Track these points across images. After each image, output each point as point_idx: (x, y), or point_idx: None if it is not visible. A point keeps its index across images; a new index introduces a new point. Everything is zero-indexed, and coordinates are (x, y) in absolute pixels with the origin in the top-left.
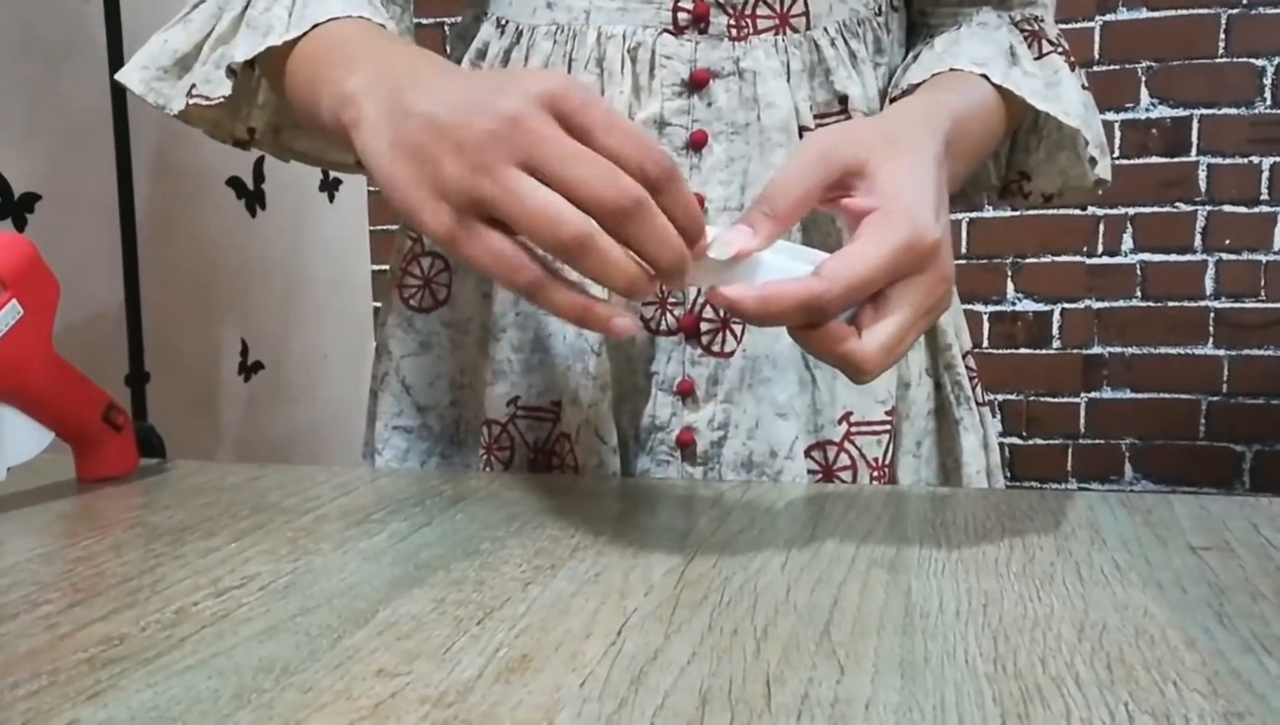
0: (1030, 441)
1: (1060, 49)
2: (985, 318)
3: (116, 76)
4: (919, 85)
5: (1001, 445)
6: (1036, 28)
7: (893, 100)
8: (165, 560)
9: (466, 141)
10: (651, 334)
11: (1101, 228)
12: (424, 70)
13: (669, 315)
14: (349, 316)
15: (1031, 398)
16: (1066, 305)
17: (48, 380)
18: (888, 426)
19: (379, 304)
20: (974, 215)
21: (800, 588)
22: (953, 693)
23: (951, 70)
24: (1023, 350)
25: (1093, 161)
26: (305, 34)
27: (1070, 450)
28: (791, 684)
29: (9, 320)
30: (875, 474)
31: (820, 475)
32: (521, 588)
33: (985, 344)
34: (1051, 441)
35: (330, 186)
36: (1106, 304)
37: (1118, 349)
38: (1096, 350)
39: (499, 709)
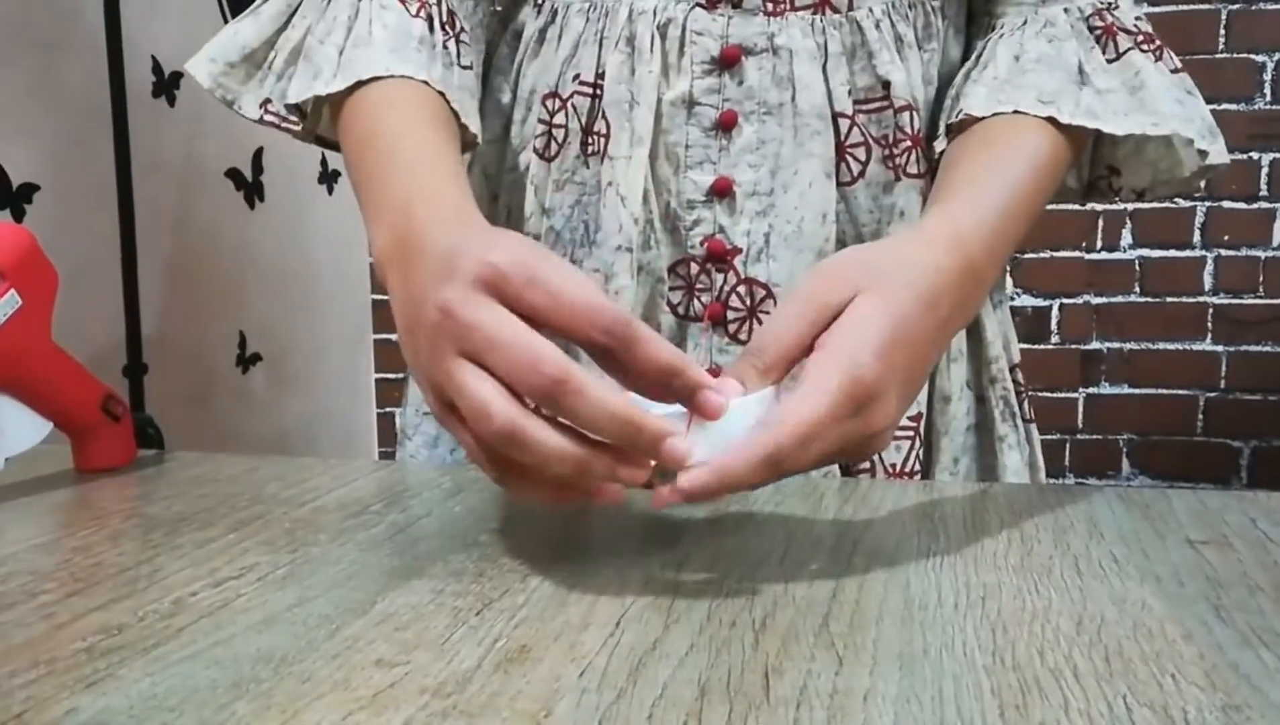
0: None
1: (1139, 36)
2: None
3: (185, 67)
4: (975, 120)
5: None
6: (1110, 20)
7: (949, 127)
8: (163, 551)
9: (420, 336)
10: (679, 320)
11: (1101, 223)
12: (422, 239)
13: (696, 301)
14: (347, 309)
15: (1029, 393)
16: (1065, 300)
17: (46, 370)
18: (910, 433)
19: (378, 296)
20: None
21: (799, 581)
22: (951, 684)
23: (1015, 113)
24: (1021, 345)
25: (1202, 153)
26: (350, 90)
27: (1068, 446)
28: (790, 675)
29: (7, 310)
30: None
31: (839, 472)
32: (520, 579)
33: None
34: (1049, 437)
35: (329, 178)
36: (1105, 299)
37: (1116, 344)
38: (1095, 345)
39: (498, 699)
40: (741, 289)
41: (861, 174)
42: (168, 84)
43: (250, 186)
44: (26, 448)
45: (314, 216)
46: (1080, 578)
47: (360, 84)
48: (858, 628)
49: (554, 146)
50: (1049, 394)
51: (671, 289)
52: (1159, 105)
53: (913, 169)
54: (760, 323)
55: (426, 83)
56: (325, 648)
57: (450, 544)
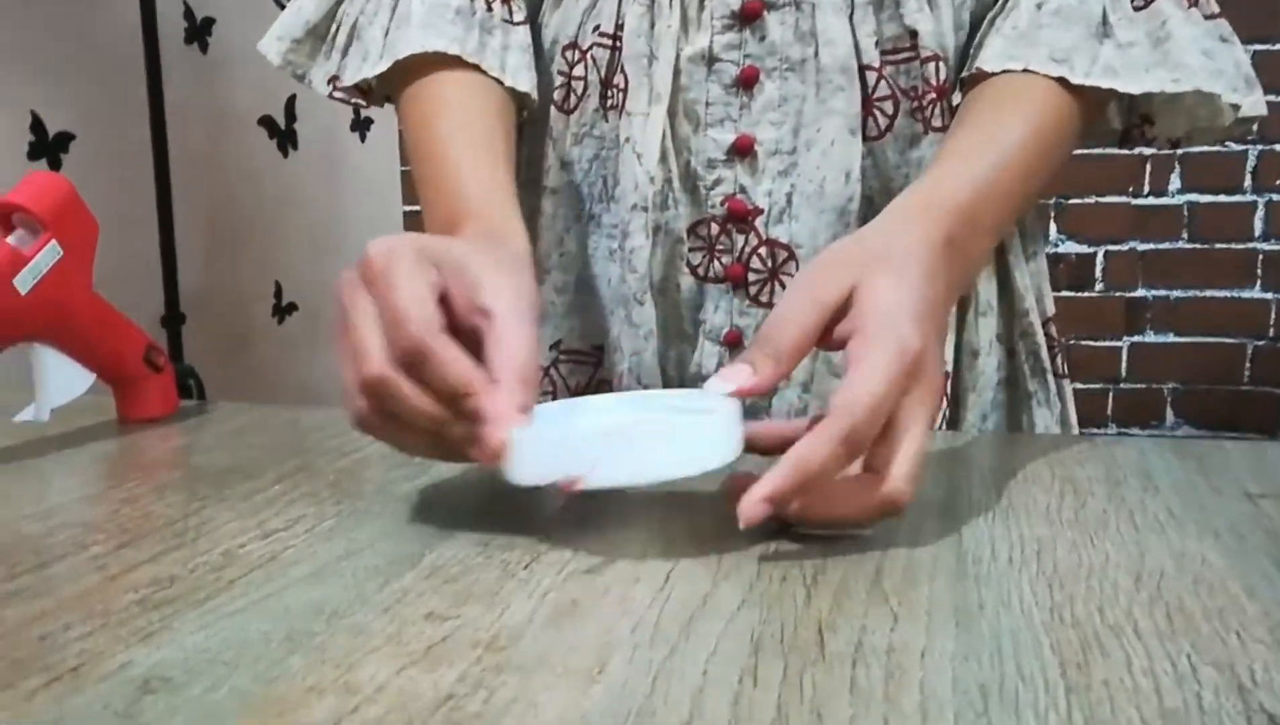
0: (1070, 386)
1: None
2: None
3: (258, 47)
4: (990, 75)
5: None
6: None
7: (962, 81)
8: (210, 503)
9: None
10: (699, 281)
11: (1149, 168)
12: None
13: (716, 262)
14: None
15: (1072, 341)
16: (1110, 247)
17: (89, 321)
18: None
19: None
20: None
21: (849, 536)
22: (1009, 641)
23: (1025, 71)
24: (1065, 292)
25: (1234, 105)
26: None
27: (1111, 394)
28: (844, 632)
29: (49, 260)
30: None
31: None
32: (566, 532)
33: None
34: (1092, 386)
35: (362, 126)
36: (1152, 246)
37: (1162, 292)
38: (1140, 293)
39: (551, 654)
40: (763, 250)
41: (889, 128)
42: (199, 30)
43: (283, 134)
44: (70, 399)
45: (347, 164)
46: (1137, 531)
47: (401, 64)
48: (911, 583)
49: (573, 99)
50: (1092, 343)
51: (691, 250)
52: (1184, 58)
53: (938, 122)
54: (782, 286)
55: (462, 56)
56: (376, 600)
57: (495, 497)
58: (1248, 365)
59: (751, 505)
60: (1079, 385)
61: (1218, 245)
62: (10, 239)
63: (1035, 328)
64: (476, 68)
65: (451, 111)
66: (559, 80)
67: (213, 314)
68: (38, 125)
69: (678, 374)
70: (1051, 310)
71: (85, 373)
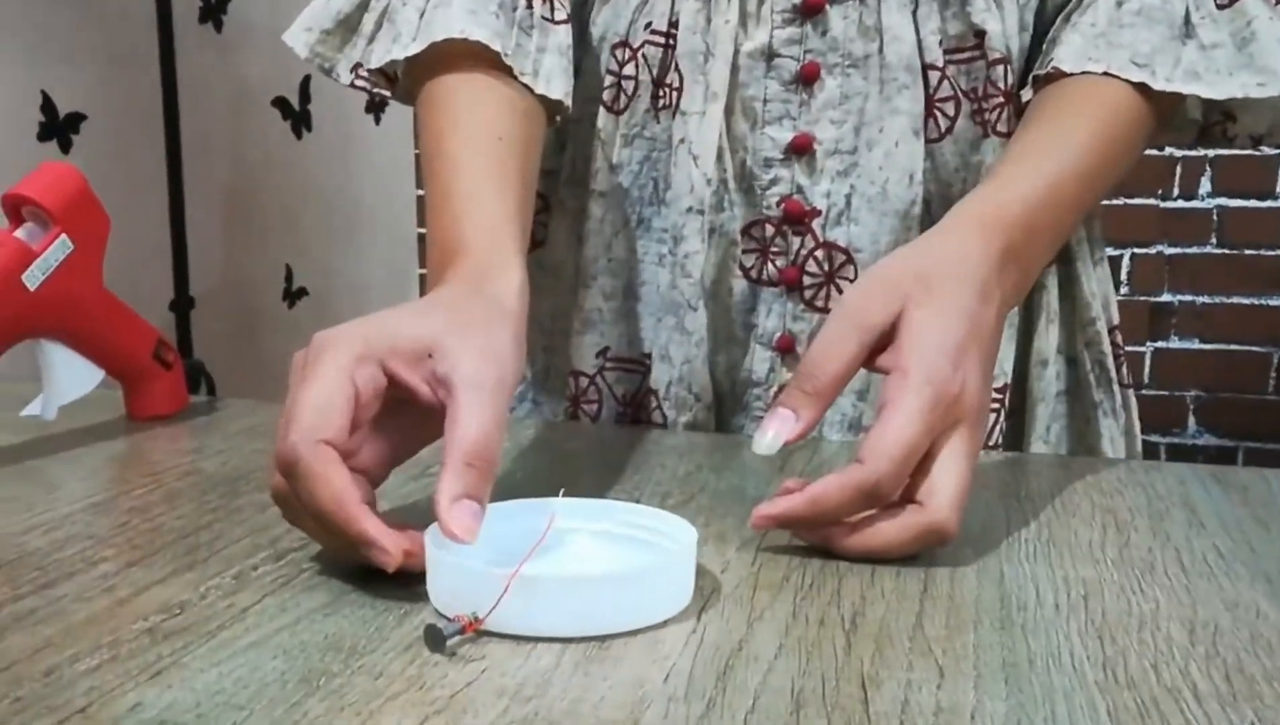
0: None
1: None
2: None
3: (284, 38)
4: (1066, 75)
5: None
6: None
7: (1035, 78)
8: (221, 515)
9: None
10: (752, 284)
11: (1178, 170)
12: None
13: (770, 265)
14: (395, 241)
15: (1125, 354)
16: (1137, 250)
17: (98, 317)
18: (996, 404)
19: (423, 230)
20: None
21: (885, 569)
22: (1063, 703)
23: (1106, 75)
24: None
25: None
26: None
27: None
28: (889, 688)
29: (58, 256)
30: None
31: None
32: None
33: None
34: None
35: (376, 108)
36: (1179, 250)
37: (1188, 297)
38: (1166, 297)
39: (580, 706)
40: (820, 253)
41: (950, 130)
42: (215, 8)
43: (298, 116)
44: (78, 396)
45: (362, 147)
46: (1185, 575)
47: (429, 54)
48: (955, 630)
49: (623, 99)
50: None
51: (745, 252)
52: (1270, 60)
53: (1001, 126)
54: (839, 290)
55: (501, 53)
56: (395, 637)
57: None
58: (1273, 374)
59: (761, 518)
60: None
61: (1247, 251)
62: (19, 233)
63: (1102, 336)
64: (509, 70)
65: (465, 130)
66: (608, 80)
67: (223, 299)
68: (48, 105)
69: (728, 380)
70: (1116, 318)
71: (94, 369)
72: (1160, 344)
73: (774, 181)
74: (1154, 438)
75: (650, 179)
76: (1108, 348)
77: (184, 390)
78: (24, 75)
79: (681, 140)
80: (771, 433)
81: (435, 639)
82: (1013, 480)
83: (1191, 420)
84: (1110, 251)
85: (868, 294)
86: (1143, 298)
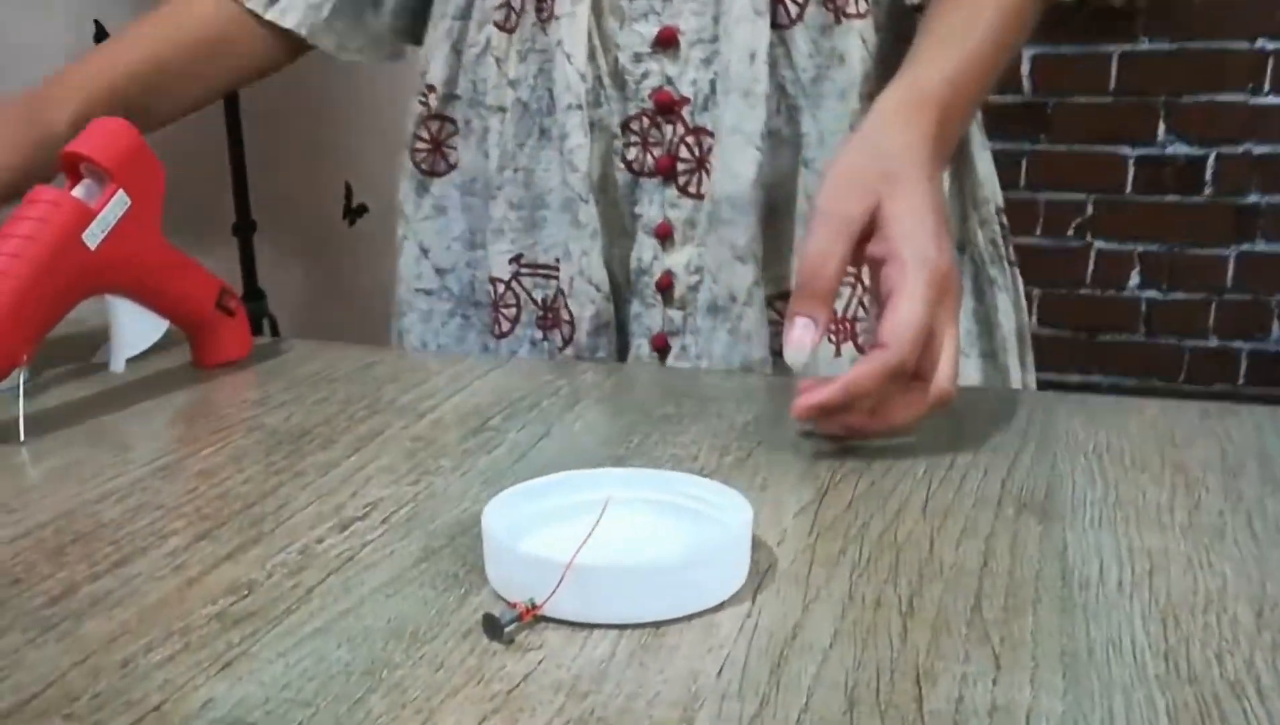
0: (1170, 296)
1: None
2: (1130, 162)
3: None
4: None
5: (1139, 299)
6: None
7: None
8: (286, 479)
9: None
10: (634, 176)
11: (1270, 64)
12: None
13: (649, 155)
14: None
15: (1176, 249)
16: (1223, 149)
17: (160, 270)
18: (850, 280)
19: None
20: (1125, 48)
21: (945, 539)
22: (1121, 701)
23: None
24: (1170, 197)
25: None
26: None
27: (1214, 305)
28: (944, 683)
29: (117, 212)
30: (833, 328)
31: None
32: None
33: (1129, 190)
34: (1194, 296)
35: None
36: (1269, 148)
37: (1276, 198)
38: (1252, 199)
39: (635, 703)
40: (690, 139)
41: (800, 16)
42: None
43: None
44: (144, 348)
45: (415, 58)
46: (1256, 544)
47: None
48: (1013, 613)
49: (513, 18)
50: (1198, 251)
51: (626, 145)
52: None
53: (852, 9)
54: (708, 174)
55: None
56: (455, 621)
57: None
58: None
59: (804, 407)
60: (1180, 296)
61: None
62: (77, 191)
63: (993, 216)
64: None
65: (147, 26)
66: (498, 1)
67: (284, 220)
68: (101, 35)
69: (622, 271)
70: (1000, 200)
71: (159, 320)
72: (1245, 247)
73: (645, 75)
74: (1235, 343)
75: (545, 89)
76: (998, 227)
77: (248, 336)
78: (75, 4)
79: (559, 43)
80: (796, 341)
81: (493, 628)
82: (1079, 430)
83: (1276, 326)
84: (1194, 150)
85: (843, 195)
86: (1228, 199)
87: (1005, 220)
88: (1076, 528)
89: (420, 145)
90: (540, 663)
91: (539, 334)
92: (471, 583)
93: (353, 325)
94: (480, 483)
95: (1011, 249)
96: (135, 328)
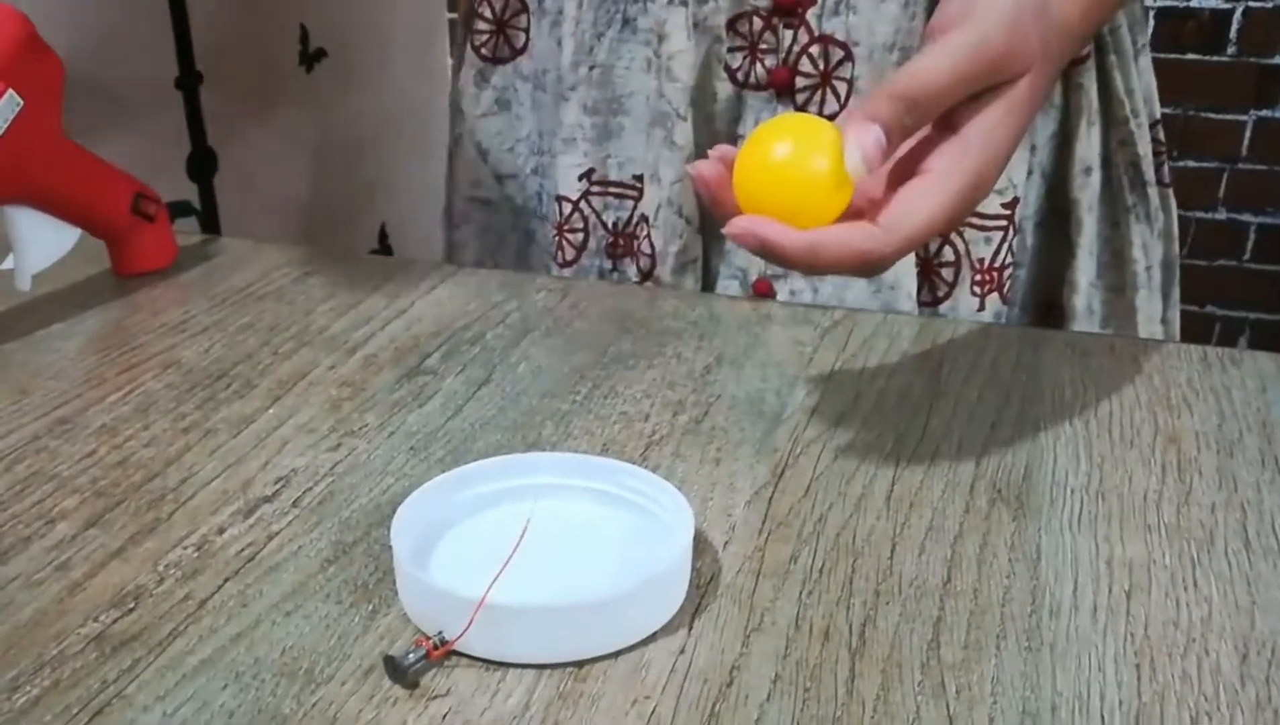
0: (1181, 163)
1: None
2: (1151, 15)
3: None
4: None
5: None
6: None
7: None
8: (195, 439)
9: None
10: (738, 88)
11: None
12: None
13: (759, 65)
14: None
15: (1191, 112)
16: (1252, 3)
17: (62, 174)
18: (1003, 224)
19: None
20: None
21: (907, 543)
22: None
23: None
24: (1190, 56)
25: None
26: None
27: (1226, 175)
28: None
29: (7, 114)
30: (979, 279)
31: (919, 268)
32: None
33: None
34: (1206, 164)
35: None
36: None
37: None
38: (1279, 59)
39: None
40: (815, 49)
41: None
42: None
43: None
44: (54, 261)
45: None
46: (1248, 557)
47: None
48: (974, 651)
49: None
50: (1214, 115)
51: (730, 50)
52: None
53: None
54: (835, 94)
55: None
56: (357, 652)
57: (511, 440)
58: None
59: (744, 233)
60: (1190, 163)
61: None
62: None
63: (1134, 136)
64: None
65: None
66: None
67: (232, 69)
68: None
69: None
70: (1158, 113)
71: (69, 230)
72: (1265, 113)
73: None
74: (1245, 216)
75: None
76: (1145, 148)
77: (171, 242)
78: None
79: None
80: (861, 150)
81: (396, 670)
82: (1070, 389)
83: None
84: (1221, 4)
85: (1003, 47)
86: (1252, 59)
87: (1160, 135)
88: (1053, 529)
89: (482, 26)
90: (445, 716)
91: (608, 263)
92: (381, 596)
93: (311, 180)
94: (406, 449)
95: (1166, 170)
96: (41, 241)
